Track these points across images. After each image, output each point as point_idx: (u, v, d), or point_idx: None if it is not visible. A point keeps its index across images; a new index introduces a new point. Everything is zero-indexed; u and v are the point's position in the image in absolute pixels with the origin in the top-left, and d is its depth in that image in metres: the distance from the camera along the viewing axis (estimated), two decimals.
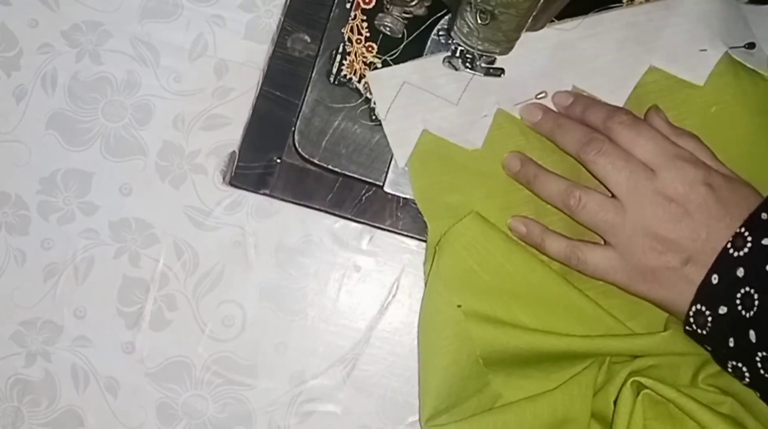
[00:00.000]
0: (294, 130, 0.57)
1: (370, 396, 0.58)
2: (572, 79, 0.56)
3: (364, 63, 0.57)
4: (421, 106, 0.56)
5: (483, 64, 0.54)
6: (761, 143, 0.55)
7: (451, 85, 0.56)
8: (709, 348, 0.49)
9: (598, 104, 0.54)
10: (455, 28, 0.51)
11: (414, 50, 0.57)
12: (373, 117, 0.57)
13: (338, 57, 0.57)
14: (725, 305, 0.47)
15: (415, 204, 0.56)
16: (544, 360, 0.53)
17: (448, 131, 0.56)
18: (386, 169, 0.57)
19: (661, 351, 0.51)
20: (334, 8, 0.57)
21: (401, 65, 0.56)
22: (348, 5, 0.57)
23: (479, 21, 0.49)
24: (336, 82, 0.57)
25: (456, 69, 0.55)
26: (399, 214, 0.57)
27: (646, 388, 0.50)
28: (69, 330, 0.58)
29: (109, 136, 0.59)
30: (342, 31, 0.57)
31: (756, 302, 0.46)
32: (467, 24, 0.50)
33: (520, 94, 0.56)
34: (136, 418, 0.58)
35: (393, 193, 0.57)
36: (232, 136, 0.59)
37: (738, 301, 0.46)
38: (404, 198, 0.57)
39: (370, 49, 0.57)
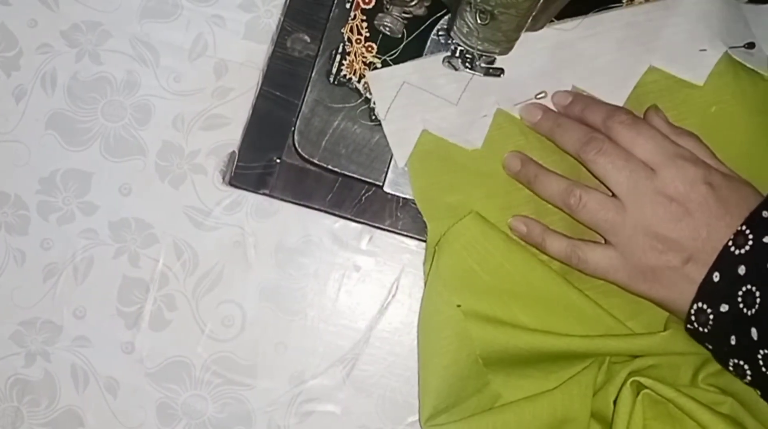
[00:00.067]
0: (294, 130, 0.57)
1: (369, 396, 0.58)
2: (572, 79, 0.56)
3: (364, 63, 0.57)
4: (420, 106, 0.56)
5: (483, 64, 0.54)
6: (761, 143, 0.55)
7: (450, 85, 0.56)
8: (710, 346, 0.49)
9: (597, 104, 0.54)
10: (455, 28, 0.51)
11: (414, 50, 0.57)
12: (373, 117, 0.57)
13: (338, 57, 0.57)
14: (727, 303, 0.47)
15: (415, 204, 0.56)
16: (543, 360, 0.53)
17: (447, 131, 0.56)
18: (386, 169, 0.57)
19: (660, 351, 0.51)
20: (333, 8, 0.57)
21: (401, 65, 0.56)
22: (348, 5, 0.57)
23: (479, 21, 0.49)
24: (336, 82, 0.57)
25: (456, 69, 0.55)
26: (399, 214, 0.57)
27: (646, 387, 0.50)
28: (68, 330, 0.58)
29: (108, 136, 0.59)
30: (342, 31, 0.57)
31: (758, 300, 0.46)
32: (467, 24, 0.50)
33: (520, 94, 0.56)
34: (136, 418, 0.58)
35: (393, 193, 0.57)
36: (232, 136, 0.59)
37: (740, 299, 0.46)
38: (404, 198, 0.57)
39: (369, 49, 0.57)
